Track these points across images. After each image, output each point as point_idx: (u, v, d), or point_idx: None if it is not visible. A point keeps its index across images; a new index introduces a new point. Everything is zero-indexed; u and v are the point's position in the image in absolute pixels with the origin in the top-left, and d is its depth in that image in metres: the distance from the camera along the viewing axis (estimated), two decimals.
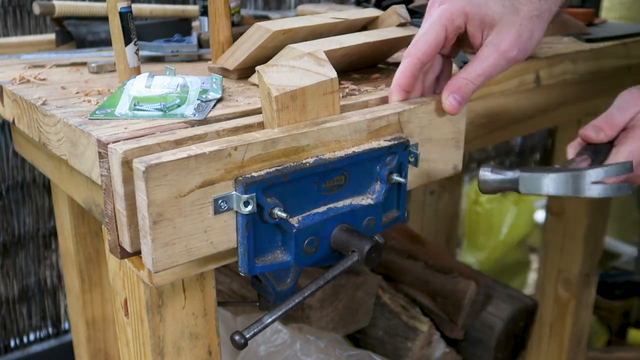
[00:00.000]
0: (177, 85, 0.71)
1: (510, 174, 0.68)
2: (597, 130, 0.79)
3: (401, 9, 0.89)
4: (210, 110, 0.68)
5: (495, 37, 0.71)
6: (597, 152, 0.77)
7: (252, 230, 0.59)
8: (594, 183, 0.67)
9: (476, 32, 0.72)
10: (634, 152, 0.76)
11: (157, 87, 0.71)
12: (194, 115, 0.65)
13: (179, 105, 0.67)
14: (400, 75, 0.71)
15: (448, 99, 0.71)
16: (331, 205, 0.65)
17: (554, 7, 0.73)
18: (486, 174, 0.69)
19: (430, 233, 1.93)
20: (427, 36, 0.70)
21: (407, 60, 0.71)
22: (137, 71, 0.80)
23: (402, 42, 0.88)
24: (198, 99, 0.69)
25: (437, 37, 0.70)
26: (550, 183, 0.67)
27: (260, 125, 0.64)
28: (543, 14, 0.72)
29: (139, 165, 0.52)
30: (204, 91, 0.72)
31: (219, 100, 0.72)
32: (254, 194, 0.57)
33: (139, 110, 0.67)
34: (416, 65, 0.70)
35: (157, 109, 0.67)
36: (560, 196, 0.68)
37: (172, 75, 0.75)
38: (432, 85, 0.77)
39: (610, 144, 0.79)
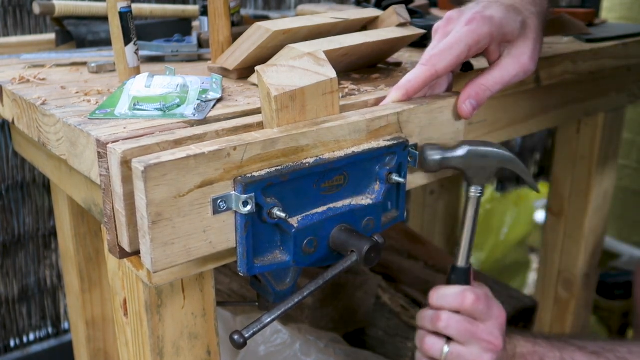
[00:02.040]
0: (177, 85, 0.71)
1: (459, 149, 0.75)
2: None
3: (401, 9, 0.89)
4: (210, 110, 0.68)
5: (514, 50, 0.75)
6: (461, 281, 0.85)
7: (251, 230, 0.59)
8: None
9: (495, 49, 0.75)
10: None
11: (157, 87, 0.71)
12: (194, 115, 0.65)
13: (178, 105, 0.67)
14: (413, 79, 0.72)
15: (465, 104, 0.74)
16: (330, 205, 0.65)
17: (544, 16, 0.79)
18: (434, 153, 0.74)
19: (430, 233, 1.93)
20: (451, 51, 0.71)
21: (425, 68, 0.71)
22: (137, 71, 0.80)
23: (402, 42, 0.88)
24: (198, 99, 0.69)
25: (460, 55, 0.71)
26: (486, 144, 0.77)
27: (260, 125, 0.64)
28: (542, 24, 0.78)
29: (138, 165, 0.52)
30: (204, 91, 0.72)
31: (219, 100, 0.72)
32: (253, 194, 0.57)
33: (138, 110, 0.67)
34: (432, 76, 0.71)
35: (156, 109, 0.67)
36: (499, 158, 0.77)
37: (172, 75, 0.75)
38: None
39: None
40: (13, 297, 1.61)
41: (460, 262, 0.83)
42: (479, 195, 0.80)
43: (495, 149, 0.76)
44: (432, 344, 0.82)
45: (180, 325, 0.69)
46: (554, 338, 0.90)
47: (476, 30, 0.71)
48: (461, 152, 0.75)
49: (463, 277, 0.83)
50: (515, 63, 0.75)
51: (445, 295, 0.82)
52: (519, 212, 2.15)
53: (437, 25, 0.77)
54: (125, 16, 0.76)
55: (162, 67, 0.92)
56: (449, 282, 0.84)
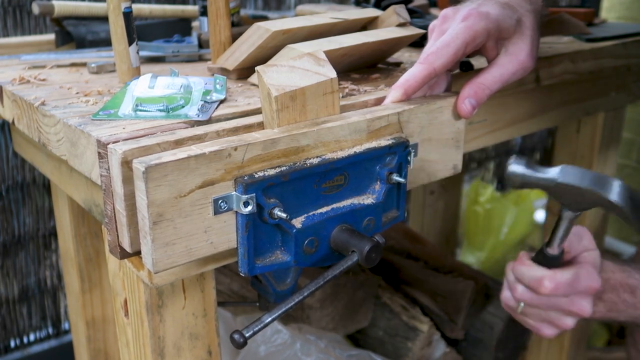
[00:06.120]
0: (181, 86, 0.71)
1: (550, 171, 0.71)
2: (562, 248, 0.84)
3: (400, 9, 0.89)
4: (214, 111, 0.68)
5: (512, 47, 0.75)
6: (553, 263, 0.83)
7: (252, 230, 0.59)
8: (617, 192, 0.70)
9: (493, 46, 0.75)
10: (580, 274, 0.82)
11: (160, 87, 0.71)
12: (198, 116, 0.65)
13: (183, 106, 0.67)
14: (410, 79, 0.71)
15: (464, 103, 0.73)
16: (331, 206, 0.65)
17: (539, 15, 0.78)
18: (519, 168, 0.71)
19: (430, 233, 1.93)
20: (448, 49, 0.71)
21: (423, 66, 0.71)
22: (138, 72, 0.80)
23: (402, 42, 0.88)
24: (202, 100, 0.69)
25: (457, 52, 0.71)
26: (596, 179, 0.70)
27: (260, 126, 0.64)
28: (538, 22, 0.77)
29: (138, 165, 0.52)
30: (207, 92, 0.72)
31: (221, 101, 0.72)
32: (253, 194, 0.57)
33: (141, 111, 0.67)
34: (431, 75, 0.71)
35: (159, 110, 0.67)
36: (595, 197, 0.70)
37: (175, 76, 0.75)
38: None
39: (562, 262, 0.84)
40: (13, 298, 1.61)
41: (549, 249, 0.82)
42: (571, 218, 0.77)
43: (594, 189, 0.69)
44: (509, 298, 0.86)
45: (181, 325, 0.69)
46: None
47: (472, 27, 0.71)
48: (550, 177, 0.70)
49: (548, 262, 0.82)
50: (514, 60, 0.75)
51: (523, 274, 0.83)
52: (519, 212, 2.15)
53: (433, 24, 0.77)
54: (127, 16, 0.76)
55: (161, 68, 0.92)
56: (535, 260, 0.84)
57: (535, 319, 0.85)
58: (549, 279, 0.80)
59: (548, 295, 0.81)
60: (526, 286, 0.83)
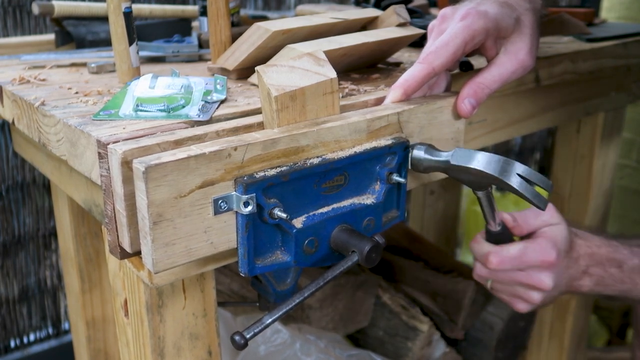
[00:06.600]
0: (181, 86, 0.71)
1: (444, 154, 0.71)
2: (513, 220, 0.85)
3: (400, 9, 0.89)
4: (214, 111, 0.68)
5: (511, 46, 0.75)
6: (499, 239, 0.85)
7: (252, 230, 0.59)
8: (519, 175, 0.68)
9: (492, 45, 0.75)
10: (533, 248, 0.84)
11: (160, 88, 0.71)
12: (199, 116, 0.65)
13: (183, 106, 0.67)
14: (410, 78, 0.71)
15: (464, 103, 0.74)
16: (331, 206, 0.65)
17: (538, 13, 0.78)
18: (420, 153, 0.71)
19: (430, 233, 1.93)
20: (447, 48, 0.71)
21: (423, 66, 0.71)
22: (138, 72, 0.80)
23: (402, 42, 0.88)
24: (202, 100, 0.69)
25: (456, 51, 0.71)
26: (482, 158, 0.69)
27: (260, 126, 0.64)
28: (537, 21, 0.77)
29: (138, 165, 0.52)
30: (208, 92, 0.72)
31: (222, 101, 0.72)
32: (253, 194, 0.57)
33: (142, 111, 0.67)
34: (430, 74, 0.71)
35: (160, 110, 0.67)
36: (482, 175, 0.69)
37: (176, 76, 0.75)
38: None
39: (509, 237, 0.86)
40: (13, 298, 1.61)
41: (489, 227, 0.84)
42: (481, 196, 0.79)
43: (478, 168, 0.68)
44: (479, 275, 0.88)
45: (181, 325, 0.69)
46: (635, 242, 0.91)
47: (471, 26, 0.71)
48: (443, 159, 0.70)
49: (495, 238, 0.84)
50: (513, 59, 0.75)
51: (475, 251, 0.87)
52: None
53: (432, 24, 0.77)
54: (127, 16, 0.76)
55: (162, 68, 0.92)
56: (486, 238, 0.86)
57: (505, 294, 0.88)
58: (494, 254, 0.83)
59: (495, 269, 0.83)
60: (480, 262, 0.86)
